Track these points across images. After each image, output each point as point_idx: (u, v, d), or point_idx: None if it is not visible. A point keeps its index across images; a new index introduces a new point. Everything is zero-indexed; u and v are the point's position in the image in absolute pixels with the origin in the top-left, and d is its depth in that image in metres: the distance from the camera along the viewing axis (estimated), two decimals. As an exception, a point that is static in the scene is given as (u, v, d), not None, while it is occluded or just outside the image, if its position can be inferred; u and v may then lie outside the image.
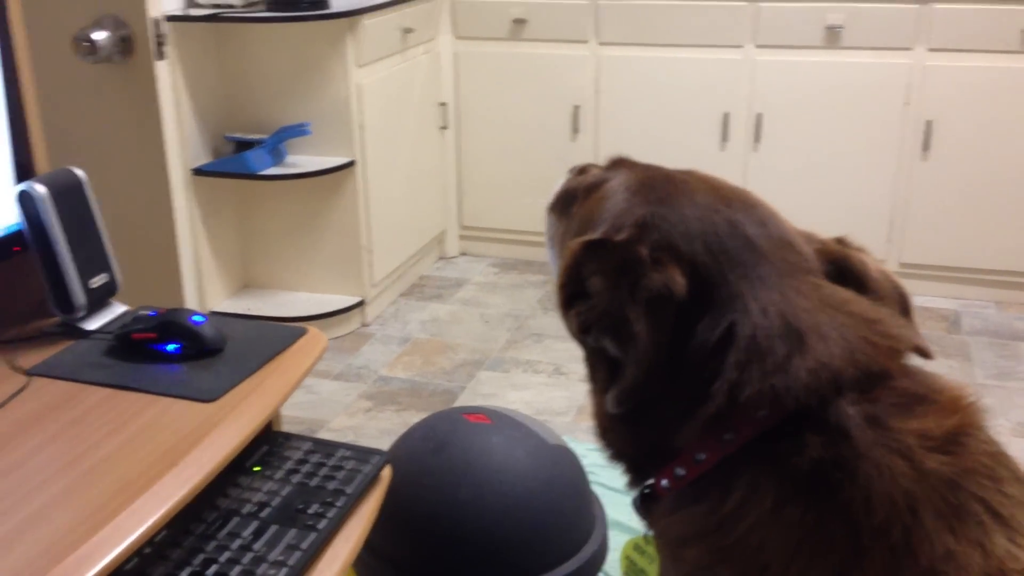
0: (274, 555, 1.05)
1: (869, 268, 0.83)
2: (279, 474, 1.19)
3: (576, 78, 3.49)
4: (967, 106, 3.15)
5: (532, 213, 3.64)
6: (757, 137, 3.35)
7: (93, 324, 1.31)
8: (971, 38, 3.10)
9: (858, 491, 0.70)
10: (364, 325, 3.24)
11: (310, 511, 1.13)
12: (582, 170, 1.01)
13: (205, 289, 2.99)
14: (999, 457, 0.73)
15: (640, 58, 3.41)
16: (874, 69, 3.20)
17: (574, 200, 0.93)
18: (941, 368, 2.91)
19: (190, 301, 1.94)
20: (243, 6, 3.07)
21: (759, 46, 3.28)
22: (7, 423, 1.10)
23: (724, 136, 3.37)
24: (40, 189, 1.23)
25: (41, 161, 1.33)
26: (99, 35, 1.66)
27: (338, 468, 1.21)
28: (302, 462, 1.22)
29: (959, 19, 3.09)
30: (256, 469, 1.20)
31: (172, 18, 2.73)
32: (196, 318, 1.26)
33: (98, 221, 1.32)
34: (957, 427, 0.72)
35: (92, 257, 1.31)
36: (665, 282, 0.74)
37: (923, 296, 3.26)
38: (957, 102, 3.16)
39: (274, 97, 3.11)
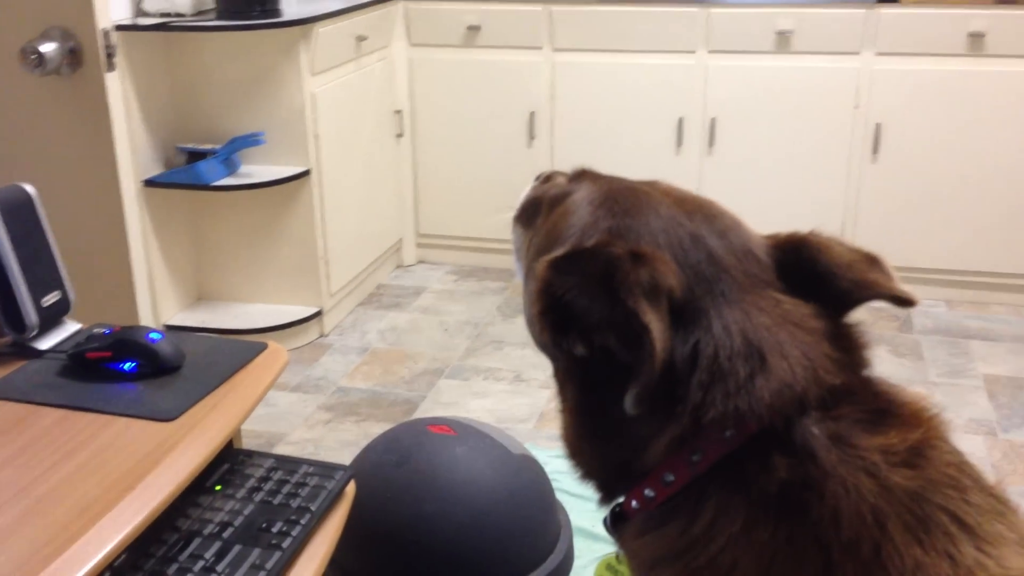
0: (238, 576, 1.04)
1: (831, 245, 0.81)
2: (241, 492, 1.17)
3: (531, 84, 3.50)
4: (915, 109, 3.20)
5: (490, 220, 3.64)
6: (711, 141, 3.38)
7: (46, 343, 1.28)
8: (918, 42, 3.15)
9: (826, 510, 0.70)
10: (322, 335, 3.21)
11: (274, 530, 1.11)
12: (547, 178, 1.01)
13: (158, 302, 2.94)
14: (962, 467, 0.74)
15: (595, 64, 3.43)
16: (824, 73, 3.25)
17: (539, 211, 0.93)
18: (894, 366, 2.96)
19: (144, 315, 1.90)
20: (193, 14, 3.03)
21: (712, 51, 3.31)
22: (-42, 448, 1.07)
23: (679, 141, 3.40)
24: (-12, 206, 1.20)
25: (-12, 177, 1.30)
26: (47, 47, 1.62)
27: (302, 485, 1.19)
28: (264, 480, 1.20)
29: (906, 23, 3.15)
30: (217, 488, 1.18)
31: (120, 27, 2.68)
32: (153, 335, 1.23)
33: (49, 238, 1.29)
34: (920, 440, 0.73)
35: (44, 275, 1.28)
36: (652, 274, 0.73)
37: (876, 296, 3.30)
38: (905, 105, 3.21)
39: (226, 106, 3.07)
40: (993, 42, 3.09)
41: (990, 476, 0.77)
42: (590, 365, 0.77)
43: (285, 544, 1.09)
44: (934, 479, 0.71)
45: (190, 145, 3.05)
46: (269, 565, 1.06)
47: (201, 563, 1.05)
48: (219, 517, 1.13)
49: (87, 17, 1.64)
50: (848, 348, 0.78)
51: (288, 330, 3.10)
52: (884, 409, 0.75)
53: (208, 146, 3.03)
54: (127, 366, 1.21)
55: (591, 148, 3.46)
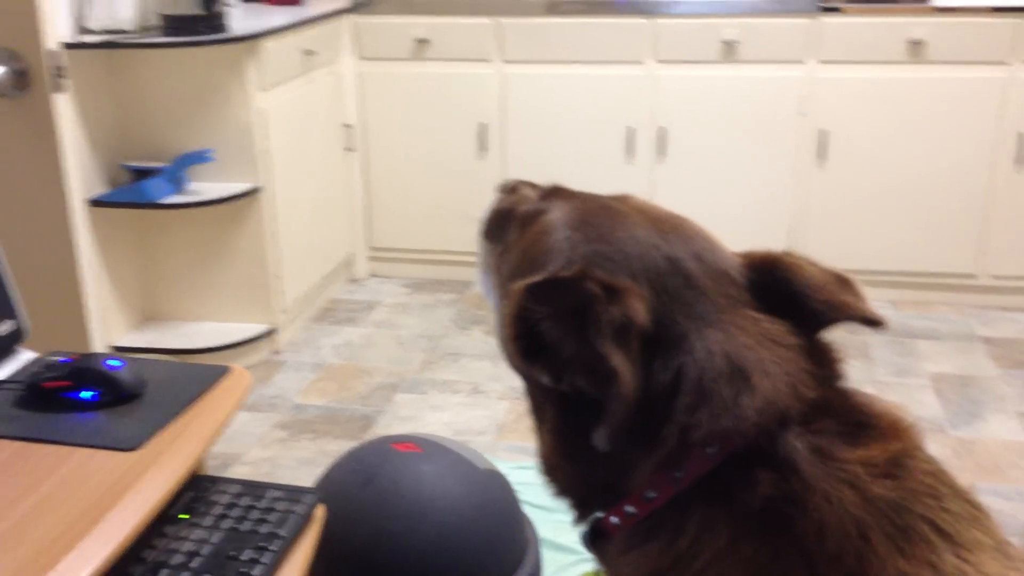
0: (208, 607, 1.02)
1: (803, 265, 0.83)
2: (207, 520, 1.15)
3: (481, 97, 3.50)
4: (859, 115, 3.27)
5: (442, 232, 3.63)
6: (662, 150, 3.41)
7: (0, 374, 1.25)
8: (860, 50, 3.22)
9: (810, 523, 0.71)
10: (275, 353, 3.18)
11: (243, 557, 1.09)
12: (512, 188, 1.00)
13: (105, 324, 2.89)
14: (939, 475, 0.75)
15: (545, 75, 3.44)
16: (770, 82, 3.30)
17: (509, 225, 0.92)
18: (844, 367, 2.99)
19: (95, 339, 1.87)
20: (137, 31, 2.98)
21: (660, 61, 3.35)
22: (-88, 486, 1.04)
23: (630, 150, 3.42)
24: (-63, 235, 1.17)
25: (-64, 204, 1.26)
26: (-8, 69, 1.58)
27: (269, 510, 1.17)
28: (231, 506, 1.18)
29: (848, 32, 3.21)
30: (183, 517, 1.16)
31: (64, 46, 2.63)
32: (112, 362, 1.21)
33: (2, 264, 1.26)
34: (899, 451, 0.74)
35: (-4, 303, 1.25)
36: (625, 312, 0.73)
37: (825, 300, 3.36)
38: (849, 111, 3.27)
39: (173, 124, 3.02)
40: (932, 49, 3.17)
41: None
42: (565, 392, 0.77)
43: (256, 572, 1.07)
44: (913, 489, 0.73)
45: (135, 163, 3.00)
46: (240, 594, 1.04)
47: (169, 595, 1.03)
48: (186, 547, 1.11)
49: (33, 38, 1.60)
50: (824, 362, 0.79)
51: (241, 348, 3.06)
52: (862, 422, 0.76)
53: (154, 164, 2.98)
54: (86, 395, 1.19)
55: (542, 159, 3.48)
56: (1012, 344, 3.10)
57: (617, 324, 0.73)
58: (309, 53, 3.26)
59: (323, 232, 3.46)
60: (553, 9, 3.40)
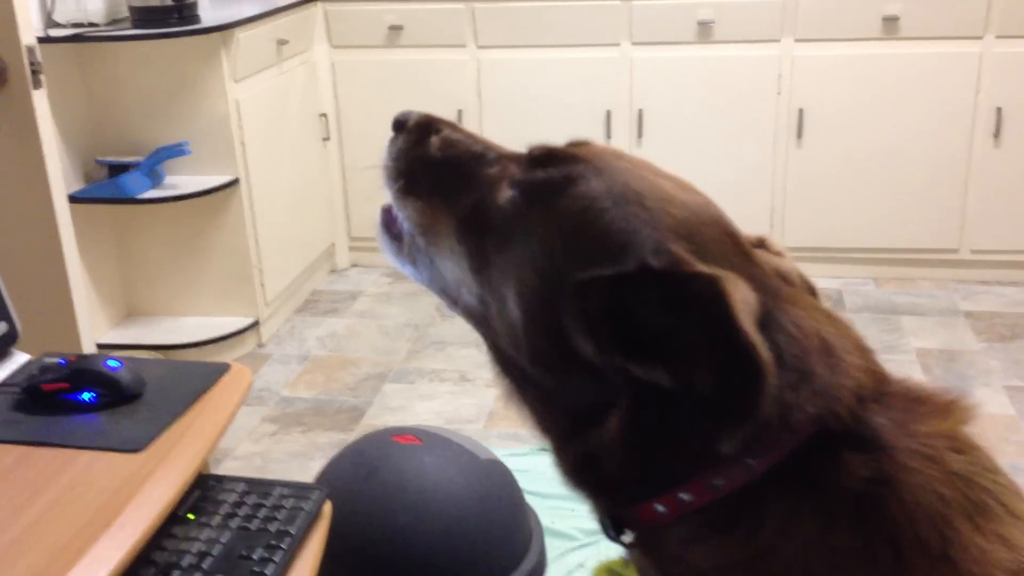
0: (223, 608, 1.01)
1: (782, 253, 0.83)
2: (216, 520, 1.14)
3: (457, 83, 3.48)
4: (835, 92, 3.28)
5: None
6: (640, 132, 3.41)
7: (-5, 377, 1.22)
8: (835, 27, 3.23)
9: (902, 504, 0.69)
10: (260, 346, 3.15)
11: (255, 556, 1.08)
12: (423, 126, 0.88)
13: (90, 321, 2.84)
14: (987, 450, 0.75)
15: (520, 60, 3.42)
16: (746, 61, 3.30)
17: (448, 175, 0.83)
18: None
19: (84, 337, 1.84)
20: (107, 24, 2.93)
21: (635, 43, 3.34)
22: (-86, 496, 1.02)
23: (608, 133, 3.42)
24: (-73, 238, 1.14)
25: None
26: (-32, 67, 1.55)
27: (278, 508, 1.16)
28: (239, 505, 1.16)
29: (823, 9, 3.22)
30: (191, 517, 1.14)
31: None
32: (111, 362, 1.19)
33: (-8, 267, 1.24)
34: (958, 425, 0.74)
35: (-11, 306, 1.22)
36: (747, 298, 0.68)
37: (806, 277, 3.38)
38: (826, 89, 3.28)
39: (148, 117, 2.98)
40: (907, 25, 3.18)
41: None
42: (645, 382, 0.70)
43: (268, 571, 1.06)
44: (978, 462, 0.72)
45: (110, 158, 2.95)
46: (254, 593, 1.03)
47: (183, 596, 1.02)
48: (196, 547, 1.09)
49: (10, 34, 1.56)
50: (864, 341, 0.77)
51: (225, 342, 3.03)
52: (921, 398, 0.75)
53: (130, 158, 2.93)
54: (86, 396, 1.16)
55: (520, 143, 3.44)
56: (994, 317, 3.13)
57: (750, 312, 0.67)
58: (282, 42, 3.22)
59: (303, 223, 3.43)
60: (528, -7, 3.38)
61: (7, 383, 1.22)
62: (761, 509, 0.71)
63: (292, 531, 1.12)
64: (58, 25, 2.88)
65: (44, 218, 1.69)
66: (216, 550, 1.09)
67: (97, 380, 1.17)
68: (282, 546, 1.10)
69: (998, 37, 3.15)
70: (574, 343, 0.72)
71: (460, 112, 3.48)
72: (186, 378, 1.24)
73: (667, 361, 0.68)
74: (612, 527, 0.81)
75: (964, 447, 0.72)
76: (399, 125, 0.90)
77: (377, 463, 1.46)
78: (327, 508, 1.22)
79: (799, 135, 3.33)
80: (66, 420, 1.14)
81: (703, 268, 0.69)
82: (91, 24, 2.89)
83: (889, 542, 0.69)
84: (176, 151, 2.92)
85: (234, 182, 2.98)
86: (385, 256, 0.94)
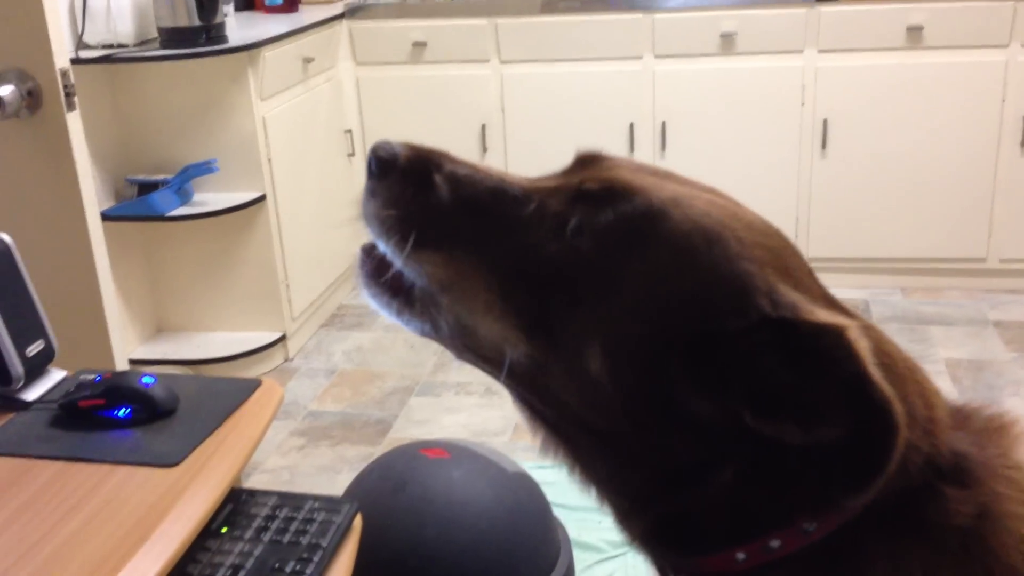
0: (257, 620, 1.02)
1: None
2: (249, 533, 1.15)
3: (481, 97, 3.50)
4: (860, 103, 3.27)
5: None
6: (663, 145, 3.41)
7: (33, 394, 1.25)
8: (858, 38, 3.22)
9: (1002, 539, 0.66)
10: (287, 360, 3.18)
11: (287, 569, 1.09)
12: (420, 161, 0.75)
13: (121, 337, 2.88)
14: None
15: (543, 74, 3.44)
16: (769, 73, 3.30)
17: (466, 222, 0.72)
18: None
19: (118, 354, 1.87)
20: (136, 45, 2.98)
21: (658, 56, 3.35)
22: (-44, 510, 1.04)
23: (631, 146, 3.43)
24: (-33, 258, 1.17)
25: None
26: (4, 90, 1.58)
27: (309, 521, 1.18)
28: (270, 518, 1.18)
29: (846, 20, 3.22)
30: (224, 530, 1.16)
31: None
32: (146, 379, 1.21)
33: (29, 286, 1.26)
34: (1019, 444, 0.71)
35: (26, 324, 1.24)
36: (867, 345, 0.63)
37: (832, 288, 3.37)
38: (850, 100, 3.28)
39: (176, 136, 3.02)
40: (931, 34, 3.17)
41: None
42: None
43: (301, 583, 1.07)
44: None
45: (140, 176, 3.00)
46: (287, 606, 1.04)
47: (217, 609, 1.03)
48: (230, 560, 1.11)
49: (44, 57, 1.60)
50: None
51: (252, 357, 3.06)
52: (968, 415, 0.72)
53: (159, 176, 2.98)
54: (121, 412, 1.19)
55: (544, 157, 3.44)
56: (1023, 327, 3.11)
57: (874, 361, 0.62)
58: (308, 60, 3.26)
59: (329, 238, 3.46)
60: (549, 8, 3.40)
61: (44, 399, 1.24)
62: (863, 551, 0.66)
63: (323, 544, 1.14)
64: (88, 47, 2.93)
65: (78, 239, 1.72)
66: (249, 563, 1.10)
67: (132, 396, 1.19)
68: (314, 559, 1.11)
69: (1023, 45, 3.14)
70: (684, 402, 0.66)
71: (484, 127, 3.50)
72: (219, 394, 1.26)
73: (798, 417, 0.63)
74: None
75: None
76: (386, 165, 0.75)
77: (406, 476, 1.48)
78: (357, 521, 1.23)
79: (823, 146, 3.33)
80: (102, 436, 1.16)
81: (827, 319, 0.65)
82: (120, 45, 2.93)
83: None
84: (204, 169, 2.96)
85: (261, 198, 3.02)
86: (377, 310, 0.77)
